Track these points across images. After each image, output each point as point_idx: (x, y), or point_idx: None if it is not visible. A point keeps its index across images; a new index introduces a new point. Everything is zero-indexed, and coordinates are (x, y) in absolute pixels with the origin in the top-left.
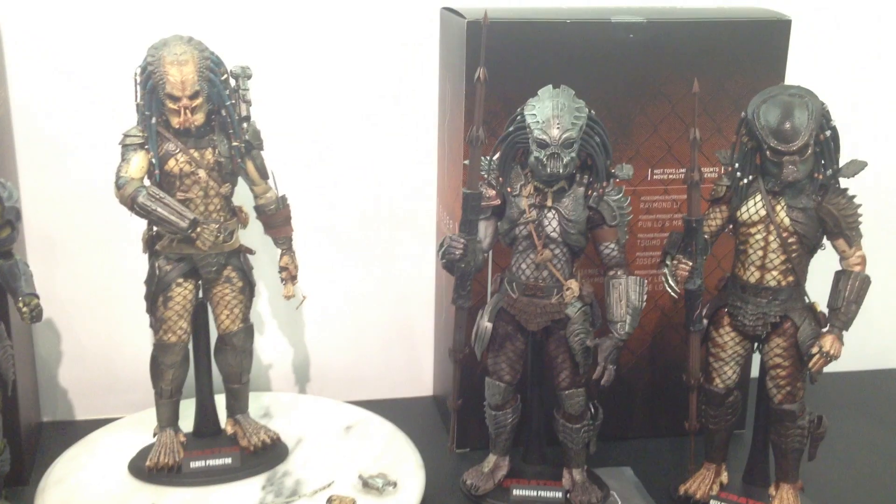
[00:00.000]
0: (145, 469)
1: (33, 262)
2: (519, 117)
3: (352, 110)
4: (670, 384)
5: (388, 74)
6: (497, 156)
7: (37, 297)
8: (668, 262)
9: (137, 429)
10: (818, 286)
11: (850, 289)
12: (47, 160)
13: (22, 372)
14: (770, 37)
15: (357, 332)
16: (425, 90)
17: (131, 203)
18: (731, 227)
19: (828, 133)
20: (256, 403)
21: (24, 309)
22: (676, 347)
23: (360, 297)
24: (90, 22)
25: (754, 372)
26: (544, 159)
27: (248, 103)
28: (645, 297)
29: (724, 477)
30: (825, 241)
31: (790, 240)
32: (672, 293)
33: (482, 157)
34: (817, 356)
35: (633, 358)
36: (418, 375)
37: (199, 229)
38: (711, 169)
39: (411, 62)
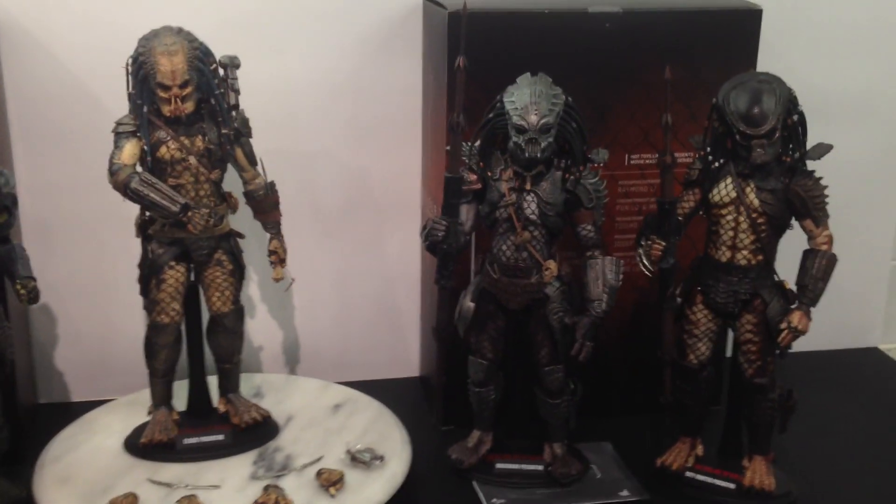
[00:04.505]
0: (140, 446)
1: (29, 247)
2: (498, 104)
3: (338, 98)
4: (648, 362)
5: (373, 64)
6: (478, 142)
7: (34, 279)
8: (642, 243)
9: (132, 409)
10: (788, 265)
11: (818, 267)
12: (42, 148)
13: (19, 354)
14: (742, 26)
15: (345, 315)
16: (409, 80)
17: (124, 189)
18: (703, 209)
19: (795, 118)
20: (248, 384)
21: (22, 291)
22: (654, 326)
23: (348, 281)
24: (83, 13)
25: (729, 352)
26: (523, 144)
27: (237, 92)
28: (621, 276)
29: (700, 450)
30: (793, 221)
31: (759, 220)
32: (647, 272)
33: (463, 143)
34: (786, 331)
35: (611, 337)
36: (405, 357)
37: (190, 213)
38: (686, 154)
39: (395, 52)
